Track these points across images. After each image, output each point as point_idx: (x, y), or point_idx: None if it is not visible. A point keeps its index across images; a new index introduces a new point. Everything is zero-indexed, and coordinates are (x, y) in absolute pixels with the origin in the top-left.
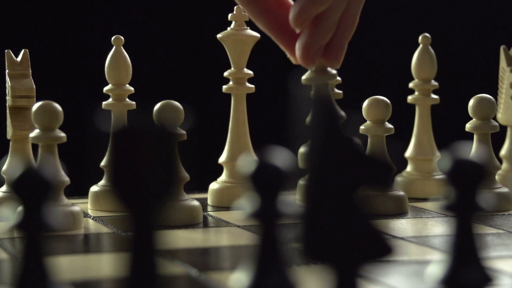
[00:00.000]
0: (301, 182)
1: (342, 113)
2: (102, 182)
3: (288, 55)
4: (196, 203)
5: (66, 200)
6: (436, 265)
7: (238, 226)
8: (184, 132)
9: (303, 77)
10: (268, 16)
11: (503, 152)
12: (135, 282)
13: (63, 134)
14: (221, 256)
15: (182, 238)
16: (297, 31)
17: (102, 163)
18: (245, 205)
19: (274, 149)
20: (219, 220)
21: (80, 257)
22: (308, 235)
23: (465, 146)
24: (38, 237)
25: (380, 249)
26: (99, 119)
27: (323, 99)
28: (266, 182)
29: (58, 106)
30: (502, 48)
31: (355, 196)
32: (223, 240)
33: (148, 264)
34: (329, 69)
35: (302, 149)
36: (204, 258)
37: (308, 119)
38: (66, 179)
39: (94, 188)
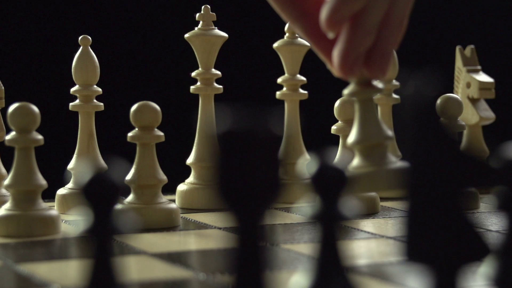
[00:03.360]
0: None
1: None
2: (69, 185)
3: (328, 66)
4: (174, 205)
5: (43, 204)
6: (486, 264)
7: (219, 228)
8: None
9: (345, 91)
10: (306, 21)
11: None
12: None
13: (40, 137)
14: (217, 258)
15: (171, 242)
16: (330, 36)
17: (69, 166)
18: (307, 207)
19: (333, 150)
20: (195, 223)
21: (60, 264)
22: (410, 236)
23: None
24: (108, 241)
25: (480, 249)
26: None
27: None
28: (328, 184)
29: (35, 108)
30: (457, 48)
31: (457, 196)
32: (209, 243)
33: (254, 263)
34: (374, 82)
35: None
36: (203, 261)
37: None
38: (44, 182)
39: (61, 191)
